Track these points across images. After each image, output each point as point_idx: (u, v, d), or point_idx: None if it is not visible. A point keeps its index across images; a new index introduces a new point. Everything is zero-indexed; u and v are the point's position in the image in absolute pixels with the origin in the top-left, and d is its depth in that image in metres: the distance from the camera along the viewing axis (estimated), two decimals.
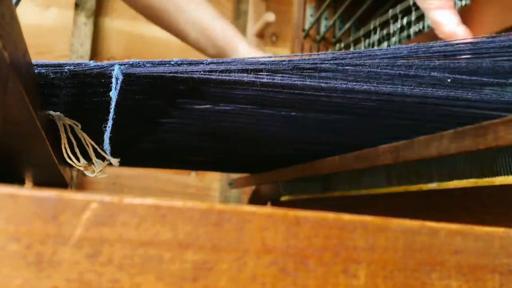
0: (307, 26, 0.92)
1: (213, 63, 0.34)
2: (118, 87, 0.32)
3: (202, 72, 0.34)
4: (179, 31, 0.76)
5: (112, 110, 0.32)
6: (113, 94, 0.32)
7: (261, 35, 1.35)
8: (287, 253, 0.21)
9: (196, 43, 0.76)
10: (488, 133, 0.34)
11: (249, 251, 0.20)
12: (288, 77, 0.35)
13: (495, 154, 0.42)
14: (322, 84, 0.35)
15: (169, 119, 0.45)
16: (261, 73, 0.34)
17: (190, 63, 0.34)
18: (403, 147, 0.43)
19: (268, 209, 0.21)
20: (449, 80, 0.35)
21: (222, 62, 0.34)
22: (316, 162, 0.60)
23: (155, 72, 0.33)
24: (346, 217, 0.22)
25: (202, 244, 0.20)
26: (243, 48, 0.72)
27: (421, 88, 0.36)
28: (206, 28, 0.74)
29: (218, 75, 0.34)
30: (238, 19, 1.41)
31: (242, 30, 1.39)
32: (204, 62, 0.34)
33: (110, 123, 0.33)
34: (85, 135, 0.39)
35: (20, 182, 0.61)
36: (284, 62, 0.34)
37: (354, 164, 0.51)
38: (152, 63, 0.33)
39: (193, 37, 0.75)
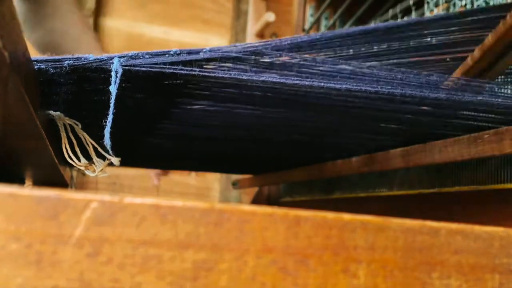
0: (307, 26, 0.92)
1: (212, 50, 0.34)
2: (118, 81, 0.32)
3: (200, 71, 0.34)
4: None
5: (112, 104, 0.32)
6: (113, 88, 0.32)
7: (261, 35, 1.35)
8: (287, 253, 0.21)
9: None
10: (504, 139, 0.33)
11: (249, 251, 0.20)
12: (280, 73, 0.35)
13: (502, 162, 0.40)
14: (322, 84, 0.35)
15: (169, 118, 0.44)
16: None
17: (189, 52, 0.34)
18: (415, 152, 0.42)
19: (268, 209, 0.21)
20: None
21: (218, 50, 0.34)
22: (325, 165, 0.59)
23: (154, 64, 0.33)
24: (346, 216, 0.22)
25: (202, 244, 0.20)
26: None
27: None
28: None
29: (217, 73, 0.34)
30: (238, 19, 1.40)
31: (242, 30, 1.39)
32: (204, 50, 0.34)
33: (110, 117, 0.33)
34: (85, 134, 0.39)
35: (20, 182, 0.61)
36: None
37: (364, 167, 0.50)
38: (151, 54, 0.33)
39: None
